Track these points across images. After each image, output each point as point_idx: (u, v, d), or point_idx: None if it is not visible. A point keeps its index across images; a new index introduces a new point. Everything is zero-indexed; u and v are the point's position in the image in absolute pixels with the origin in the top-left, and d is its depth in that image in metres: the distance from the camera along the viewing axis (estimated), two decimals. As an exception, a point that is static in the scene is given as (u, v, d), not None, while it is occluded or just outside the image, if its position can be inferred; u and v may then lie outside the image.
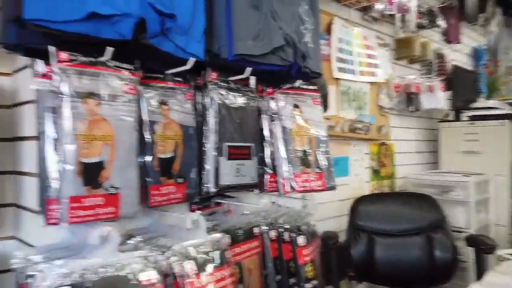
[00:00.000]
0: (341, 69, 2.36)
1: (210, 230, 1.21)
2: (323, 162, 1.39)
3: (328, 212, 2.30)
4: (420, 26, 2.89)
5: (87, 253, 0.88)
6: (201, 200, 1.28)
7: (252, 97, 1.31)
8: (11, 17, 0.85)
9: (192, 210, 1.30)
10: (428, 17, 2.95)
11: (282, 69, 1.29)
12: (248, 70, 1.23)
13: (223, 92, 1.22)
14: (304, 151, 1.36)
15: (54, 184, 0.90)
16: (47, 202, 0.90)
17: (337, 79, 2.34)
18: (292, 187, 1.31)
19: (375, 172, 2.72)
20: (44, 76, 0.92)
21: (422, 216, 2.23)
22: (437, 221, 2.19)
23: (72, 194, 0.87)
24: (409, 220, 2.21)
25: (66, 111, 0.88)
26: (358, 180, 2.57)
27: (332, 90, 2.25)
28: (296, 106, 1.40)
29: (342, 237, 2.19)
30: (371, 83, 2.58)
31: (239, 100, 1.26)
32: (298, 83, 1.41)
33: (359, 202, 2.27)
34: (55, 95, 0.89)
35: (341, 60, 2.37)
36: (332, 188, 1.40)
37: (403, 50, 2.89)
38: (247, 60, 1.19)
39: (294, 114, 1.39)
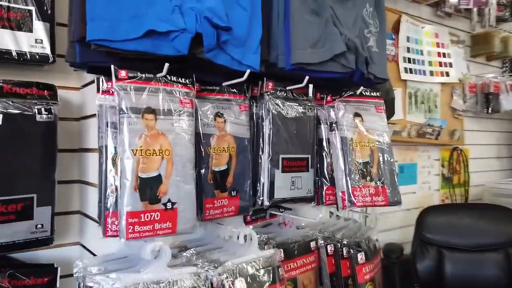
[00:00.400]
0: (409, 70, 2.22)
1: (264, 243, 1.19)
2: (386, 175, 1.30)
3: (392, 223, 2.18)
4: (501, 20, 2.63)
5: (140, 267, 0.90)
6: (255, 211, 1.26)
7: (310, 106, 1.26)
8: (76, 38, 0.89)
9: (247, 221, 1.29)
10: (511, 9, 2.67)
11: (343, 76, 1.23)
12: (307, 79, 1.18)
13: (279, 102, 1.18)
14: (366, 163, 1.28)
15: (112, 198, 0.93)
16: (106, 215, 0.93)
17: (405, 80, 2.20)
18: (351, 202, 1.24)
19: (446, 180, 2.53)
20: (106, 92, 0.95)
21: (500, 230, 2.03)
22: (519, 236, 1.98)
23: (129, 209, 0.86)
24: (485, 234, 2.03)
25: (125, 126, 0.89)
26: (426, 188, 2.40)
27: (398, 93, 2.11)
28: (357, 115, 1.32)
29: (406, 249, 2.06)
30: (443, 83, 2.40)
31: (296, 110, 1.21)
32: (359, 90, 1.33)
33: (428, 212, 2.11)
34: (116, 110, 0.91)
35: (409, 60, 2.22)
36: (396, 203, 1.30)
37: (480, 46, 2.65)
38: (305, 69, 1.15)
39: (355, 124, 1.31)
